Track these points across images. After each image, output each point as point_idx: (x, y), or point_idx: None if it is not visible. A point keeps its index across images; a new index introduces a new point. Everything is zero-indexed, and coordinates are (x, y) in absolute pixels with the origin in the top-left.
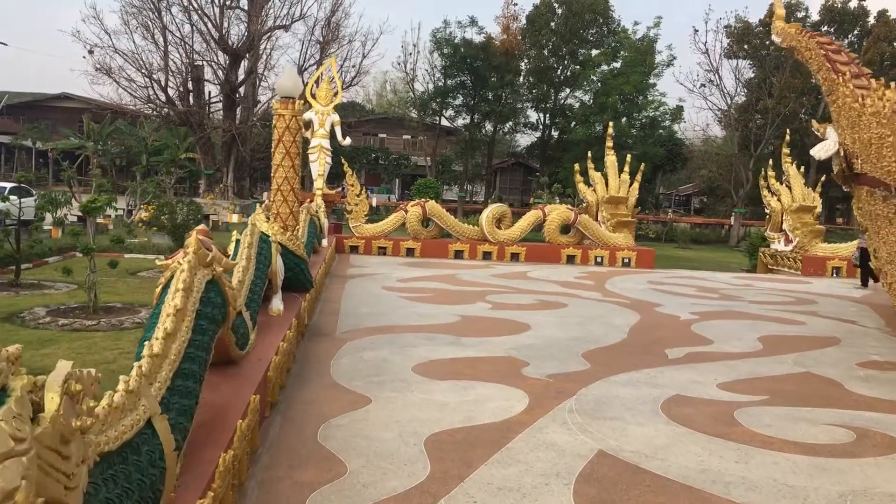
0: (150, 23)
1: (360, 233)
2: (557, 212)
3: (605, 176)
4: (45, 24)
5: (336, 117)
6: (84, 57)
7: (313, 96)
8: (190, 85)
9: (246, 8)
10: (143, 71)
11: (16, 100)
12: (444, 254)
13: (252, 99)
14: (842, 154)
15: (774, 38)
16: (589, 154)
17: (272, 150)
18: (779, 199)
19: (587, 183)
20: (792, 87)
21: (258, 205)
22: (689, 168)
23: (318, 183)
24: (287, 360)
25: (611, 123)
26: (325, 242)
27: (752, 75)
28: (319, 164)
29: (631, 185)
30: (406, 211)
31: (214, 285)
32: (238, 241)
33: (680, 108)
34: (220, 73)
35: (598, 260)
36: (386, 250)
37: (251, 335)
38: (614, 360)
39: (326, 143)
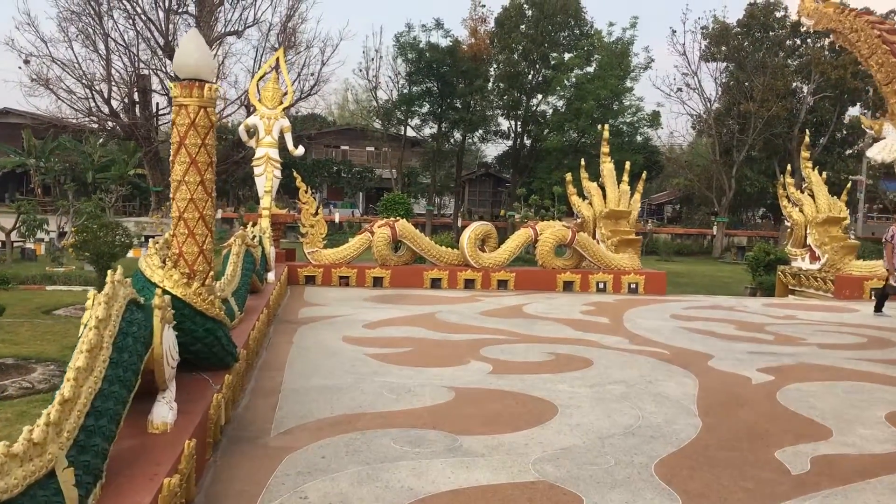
0: (90, 29)
1: (318, 260)
2: (552, 230)
3: (601, 186)
4: None
5: (286, 122)
6: (20, 67)
7: (258, 98)
8: (136, 96)
9: (194, 12)
10: (84, 81)
11: None
12: (419, 283)
13: None
14: None
15: (804, 20)
16: (583, 161)
17: (171, 157)
18: (801, 210)
19: (581, 195)
20: (774, 90)
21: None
22: (661, 176)
23: (265, 201)
24: None
25: (606, 126)
26: (271, 276)
27: (730, 78)
28: (266, 179)
29: (632, 196)
30: (372, 233)
31: None
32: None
33: (657, 114)
34: (167, 82)
35: (601, 286)
36: (349, 280)
37: None
38: (713, 483)
39: (274, 154)
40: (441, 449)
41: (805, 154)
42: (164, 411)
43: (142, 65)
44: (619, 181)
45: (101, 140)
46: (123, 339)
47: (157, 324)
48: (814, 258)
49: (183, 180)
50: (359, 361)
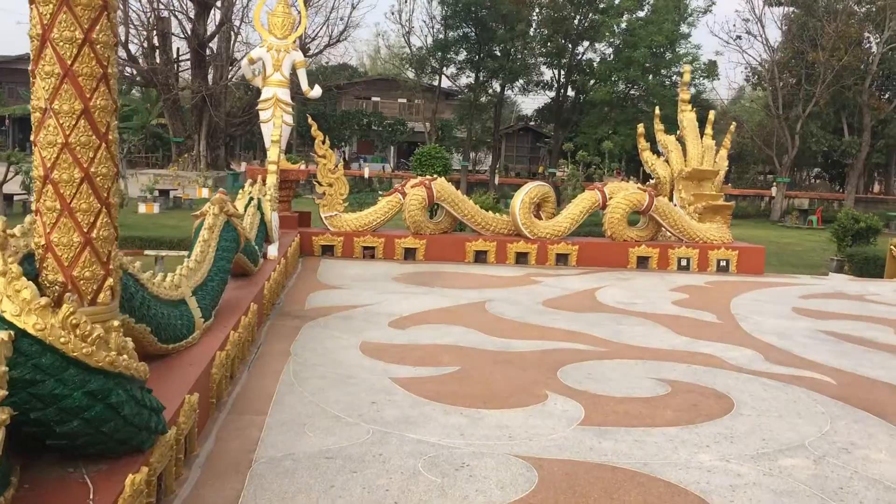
0: None
1: (337, 226)
2: (624, 194)
3: (680, 140)
4: None
5: (298, 56)
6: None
7: (264, 25)
8: (155, 40)
9: None
10: None
11: None
12: (460, 256)
13: (226, 56)
14: None
15: None
16: (657, 110)
17: (31, 65)
18: None
19: (655, 151)
20: (846, 38)
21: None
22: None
23: (272, 153)
24: None
25: (687, 67)
26: (273, 251)
27: (794, 24)
28: (274, 126)
29: (717, 152)
30: (403, 194)
31: None
32: None
33: (714, 64)
34: (187, 25)
35: (683, 263)
36: (374, 251)
37: None
38: None
39: (284, 95)
40: None
41: None
42: None
43: (161, 6)
44: (702, 133)
45: (121, 87)
46: None
47: None
48: None
49: (49, 108)
50: (381, 394)
